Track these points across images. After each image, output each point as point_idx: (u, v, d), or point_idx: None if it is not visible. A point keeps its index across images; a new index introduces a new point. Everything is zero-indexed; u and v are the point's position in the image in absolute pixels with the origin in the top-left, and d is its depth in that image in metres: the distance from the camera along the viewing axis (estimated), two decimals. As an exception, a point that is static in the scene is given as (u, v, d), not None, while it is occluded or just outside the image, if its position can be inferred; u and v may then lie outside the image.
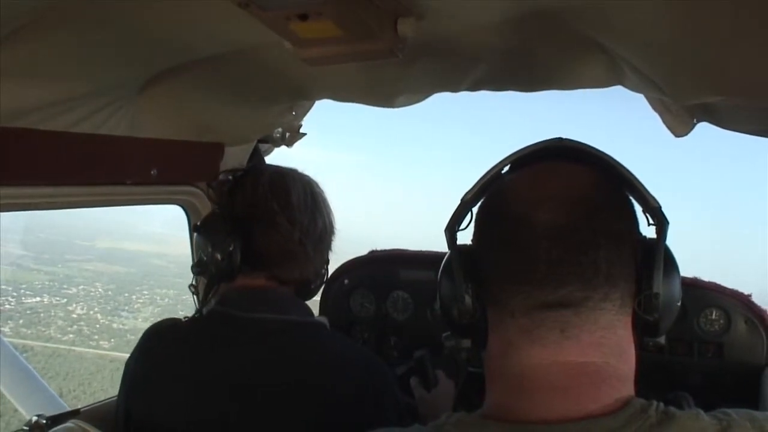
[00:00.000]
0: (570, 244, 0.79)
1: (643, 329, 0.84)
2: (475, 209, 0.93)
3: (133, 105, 1.54)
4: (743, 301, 1.92)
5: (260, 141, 2.04)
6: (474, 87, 1.50)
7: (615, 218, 0.83)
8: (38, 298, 24.62)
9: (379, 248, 2.45)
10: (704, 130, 1.39)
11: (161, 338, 1.39)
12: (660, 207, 0.86)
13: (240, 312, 1.33)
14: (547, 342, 0.79)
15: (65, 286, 25.88)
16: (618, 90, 1.38)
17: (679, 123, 1.39)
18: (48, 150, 1.40)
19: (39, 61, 1.15)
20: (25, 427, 1.43)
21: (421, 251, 2.35)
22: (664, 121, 1.44)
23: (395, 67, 1.36)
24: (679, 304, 0.87)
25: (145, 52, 1.30)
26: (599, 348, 0.79)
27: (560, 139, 0.89)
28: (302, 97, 1.83)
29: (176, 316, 1.46)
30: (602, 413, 0.76)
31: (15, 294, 23.98)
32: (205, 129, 1.81)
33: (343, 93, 1.68)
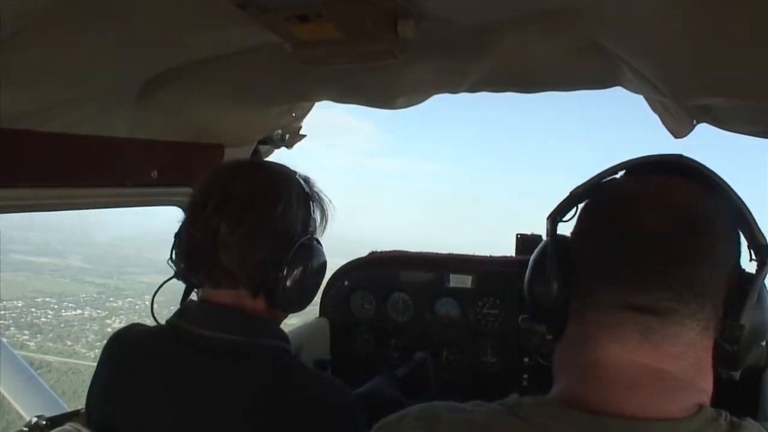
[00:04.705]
0: (664, 252, 0.79)
1: (721, 359, 0.83)
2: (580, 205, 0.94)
3: (132, 106, 1.54)
4: None
5: (260, 142, 2.04)
6: (474, 88, 1.50)
7: (718, 242, 0.82)
8: (79, 311, 24.25)
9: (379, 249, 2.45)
10: (704, 131, 1.38)
11: (119, 348, 1.34)
12: (767, 245, 0.86)
13: (194, 328, 1.26)
14: (626, 342, 0.80)
15: (111, 299, 25.39)
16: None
17: (679, 124, 1.39)
18: (48, 151, 1.40)
19: (39, 62, 1.15)
20: (25, 428, 1.43)
21: (421, 252, 2.34)
22: (664, 123, 1.43)
23: (395, 69, 1.37)
24: (764, 344, 0.86)
25: (146, 54, 1.30)
26: (677, 360, 0.79)
27: (680, 156, 0.89)
28: (302, 99, 1.84)
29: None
30: (680, 416, 0.77)
31: (56, 307, 23.57)
32: (205, 130, 1.81)
33: (343, 94, 1.68)
